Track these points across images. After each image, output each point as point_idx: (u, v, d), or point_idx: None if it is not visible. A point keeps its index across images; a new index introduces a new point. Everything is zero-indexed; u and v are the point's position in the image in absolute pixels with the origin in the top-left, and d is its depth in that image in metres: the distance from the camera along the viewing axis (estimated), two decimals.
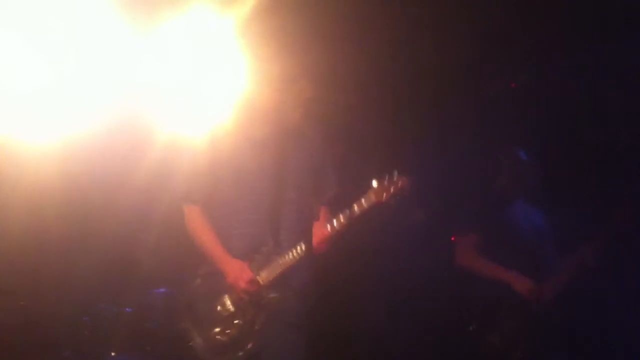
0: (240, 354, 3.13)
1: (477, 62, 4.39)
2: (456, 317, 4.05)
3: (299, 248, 3.09)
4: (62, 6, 3.08)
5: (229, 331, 3.17)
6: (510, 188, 4.06)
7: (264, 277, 3.16)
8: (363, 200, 3.05)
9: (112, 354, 4.27)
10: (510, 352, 3.77)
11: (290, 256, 3.12)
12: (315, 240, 3.03)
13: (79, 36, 3.14)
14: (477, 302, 3.92)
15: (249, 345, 3.13)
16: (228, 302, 3.20)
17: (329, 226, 3.09)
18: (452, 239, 4.15)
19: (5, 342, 4.09)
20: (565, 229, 4.08)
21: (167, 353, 4.17)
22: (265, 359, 3.14)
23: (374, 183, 3.04)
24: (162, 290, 4.46)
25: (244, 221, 3.22)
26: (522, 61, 4.53)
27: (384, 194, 3.02)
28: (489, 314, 3.85)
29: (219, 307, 3.21)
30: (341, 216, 3.09)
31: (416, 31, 4.07)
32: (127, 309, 4.40)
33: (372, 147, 4.58)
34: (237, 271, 3.16)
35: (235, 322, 3.17)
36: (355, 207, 3.06)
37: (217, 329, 3.18)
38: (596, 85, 4.47)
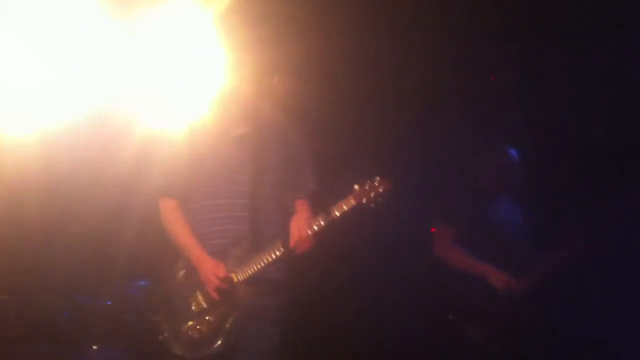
0: (210, 350, 3.14)
1: (461, 58, 4.39)
2: (435, 311, 4.06)
3: (276, 245, 3.09)
4: (62, 6, 3.07)
5: (199, 327, 3.17)
6: (493, 183, 4.08)
7: (240, 274, 3.16)
8: (343, 204, 3.07)
9: (93, 347, 4.27)
10: (488, 344, 3.79)
11: (268, 253, 3.11)
12: (293, 239, 3.05)
13: (79, 36, 3.12)
14: (455, 296, 3.94)
15: (219, 343, 3.13)
16: (200, 298, 3.20)
17: (308, 229, 3.10)
18: (432, 230, 4.16)
19: None
20: (546, 227, 4.11)
21: (147, 346, 4.17)
22: (239, 355, 3.15)
23: (355, 187, 3.07)
24: (142, 282, 4.46)
25: (222, 217, 3.21)
26: (506, 57, 4.53)
27: (364, 198, 3.05)
28: (467, 307, 3.87)
29: (192, 303, 3.21)
30: (320, 219, 3.10)
31: (399, 26, 4.06)
32: (107, 302, 4.40)
33: (351, 141, 4.58)
34: (211, 268, 3.15)
35: (207, 318, 3.18)
36: (335, 210, 3.07)
37: (189, 324, 3.19)
38: (581, 81, 4.48)
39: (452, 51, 4.33)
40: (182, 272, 3.28)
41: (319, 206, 3.20)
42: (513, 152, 4.11)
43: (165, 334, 3.23)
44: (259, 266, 3.12)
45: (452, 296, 3.97)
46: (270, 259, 3.11)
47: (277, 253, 3.09)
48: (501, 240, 3.94)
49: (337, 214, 3.07)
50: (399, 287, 4.67)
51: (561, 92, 4.53)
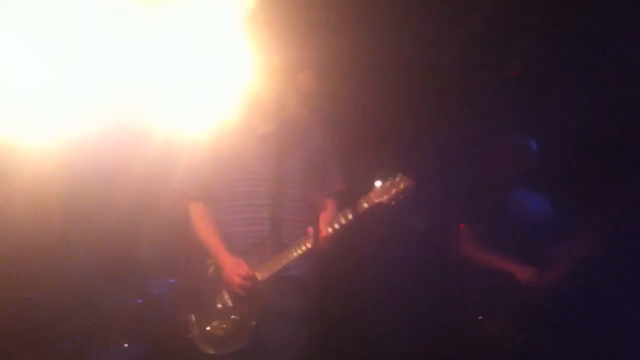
0: (235, 349, 3.16)
1: (477, 50, 4.37)
2: (455, 308, 4.06)
3: (299, 244, 3.10)
4: (62, 6, 3.06)
5: (225, 326, 3.19)
6: (510, 175, 4.06)
7: (262, 273, 3.17)
8: (364, 201, 3.05)
9: (115, 345, 4.29)
10: (509, 341, 3.78)
11: (290, 252, 3.12)
12: (314, 237, 3.02)
13: (79, 36, 3.12)
14: (475, 292, 3.93)
15: (243, 341, 3.16)
16: (227, 297, 3.22)
17: (329, 227, 3.08)
18: (461, 226, 4.15)
19: (7, 333, 4.10)
20: (565, 214, 4.08)
21: (170, 344, 4.19)
22: (264, 354, 3.16)
23: (377, 184, 3.05)
24: (164, 281, 4.48)
25: (244, 219, 3.22)
26: (521, 48, 4.51)
27: (385, 196, 3.03)
28: (487, 303, 3.86)
29: (218, 301, 3.23)
30: (341, 217, 3.08)
31: (417, 23, 4.05)
32: (129, 300, 4.42)
33: (375, 139, 4.57)
34: (233, 267, 3.16)
35: (232, 317, 3.19)
36: (357, 208, 3.05)
37: (215, 323, 3.21)
38: (596, 73, 4.46)
39: (472, 46, 4.31)
40: (211, 269, 3.29)
41: (342, 204, 3.19)
42: (529, 142, 4.08)
43: (194, 332, 3.24)
44: (281, 265, 3.13)
45: (473, 293, 3.94)
46: (292, 258, 3.11)
47: (299, 252, 3.09)
48: (521, 233, 3.92)
49: (358, 211, 3.05)
50: (421, 284, 4.66)
51: (577, 85, 4.51)
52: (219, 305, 3.22)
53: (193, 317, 3.26)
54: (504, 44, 4.49)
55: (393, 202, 3.03)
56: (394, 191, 3.02)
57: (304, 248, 3.08)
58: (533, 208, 4.03)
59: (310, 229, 3.05)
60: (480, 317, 3.86)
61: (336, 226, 3.07)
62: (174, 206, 3.47)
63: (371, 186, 3.06)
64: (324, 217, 3.16)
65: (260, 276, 3.17)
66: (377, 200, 3.03)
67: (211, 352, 3.19)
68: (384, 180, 3.04)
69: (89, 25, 3.07)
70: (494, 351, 3.81)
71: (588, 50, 4.34)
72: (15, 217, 3.95)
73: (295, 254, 3.10)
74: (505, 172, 4.07)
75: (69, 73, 3.17)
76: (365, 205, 3.04)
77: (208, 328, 3.21)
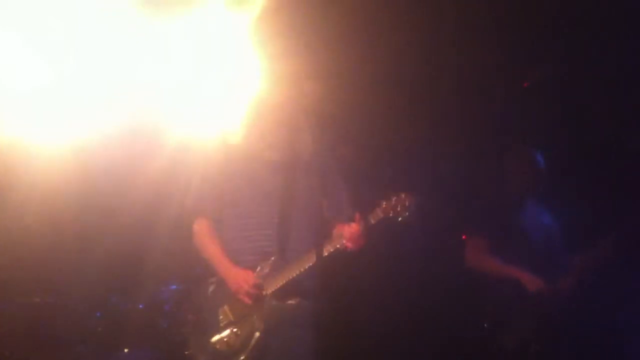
0: None
1: (489, 63, 4.36)
2: (468, 319, 4.04)
3: (305, 259, 3.13)
4: (62, 6, 3.10)
5: (227, 340, 3.21)
6: (522, 190, 4.05)
7: (268, 287, 3.20)
8: (370, 218, 3.12)
9: (125, 350, 4.33)
10: (522, 352, 3.75)
11: (296, 267, 3.15)
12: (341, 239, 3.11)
13: (80, 36, 3.15)
14: (488, 304, 3.92)
15: (245, 355, 3.18)
16: (228, 311, 3.25)
17: (331, 248, 3.13)
18: (463, 237, 4.15)
19: (19, 337, 4.15)
20: (575, 228, 4.07)
21: (178, 349, 4.21)
22: None
23: (383, 203, 3.12)
24: (174, 287, 4.51)
25: (252, 235, 3.27)
26: (533, 61, 4.49)
27: (391, 212, 3.10)
28: (500, 315, 3.85)
29: (220, 316, 3.26)
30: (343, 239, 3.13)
31: (427, 32, 4.05)
32: (139, 305, 4.45)
33: (382, 148, 4.58)
34: (242, 277, 3.20)
35: (234, 330, 3.21)
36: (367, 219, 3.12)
37: (216, 337, 3.23)
38: (607, 84, 4.43)
39: (480, 58, 4.30)
40: (212, 288, 3.33)
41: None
42: (539, 156, 4.07)
43: (191, 349, 3.29)
44: (286, 280, 3.17)
45: (484, 305, 3.94)
46: (298, 273, 3.15)
47: (306, 267, 3.13)
48: (533, 246, 3.91)
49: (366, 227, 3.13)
50: (431, 296, 4.65)
51: (591, 96, 4.49)
52: (221, 320, 3.25)
53: (192, 331, 3.32)
54: (518, 55, 4.48)
55: (400, 219, 3.10)
56: (399, 207, 3.09)
57: (308, 264, 3.11)
58: (542, 221, 4.02)
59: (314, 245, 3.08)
60: (485, 325, 3.84)
61: (338, 246, 3.14)
62: (182, 220, 3.50)
63: (377, 203, 3.13)
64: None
65: (265, 291, 3.20)
66: (383, 215, 3.11)
67: None
68: (388, 198, 3.12)
69: (89, 25, 3.11)
70: None
71: (604, 59, 4.31)
72: (27, 222, 4.01)
73: (301, 269, 3.14)
74: (516, 186, 4.05)
75: (69, 73, 3.20)
76: (372, 221, 3.12)
77: (208, 343, 3.23)
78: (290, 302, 3.21)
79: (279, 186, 3.28)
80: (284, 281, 3.17)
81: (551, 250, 3.94)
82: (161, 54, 3.25)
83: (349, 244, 3.12)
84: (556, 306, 3.79)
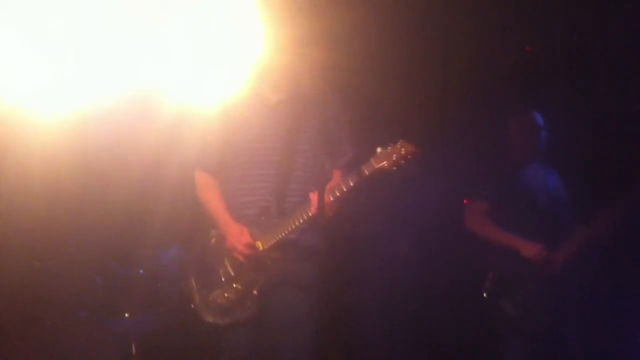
0: (239, 317, 3.17)
1: (491, 28, 4.32)
2: (470, 286, 4.04)
3: (301, 212, 3.08)
4: (62, 6, 3.05)
5: (227, 295, 3.20)
6: (522, 151, 4.02)
7: (266, 241, 3.17)
8: (364, 168, 2.99)
9: (126, 314, 4.34)
10: (524, 319, 3.77)
11: (293, 220, 3.11)
12: (314, 206, 3.01)
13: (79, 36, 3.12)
14: (489, 271, 3.91)
15: (246, 309, 3.16)
16: (228, 266, 3.23)
17: (330, 195, 3.04)
18: (465, 202, 4.14)
19: (20, 303, 4.14)
20: (582, 189, 4.03)
21: (180, 314, 4.23)
22: (271, 321, 3.16)
23: (378, 150, 2.97)
24: (174, 249, 4.51)
25: (251, 189, 3.23)
26: (535, 27, 4.44)
27: (385, 161, 2.95)
28: (501, 280, 3.85)
29: (220, 270, 3.24)
30: (342, 185, 3.03)
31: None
32: (139, 270, 4.46)
33: (385, 113, 4.54)
34: (236, 234, 3.16)
35: (234, 285, 3.20)
36: (357, 175, 3.00)
37: (217, 292, 3.22)
38: (612, 48, 4.39)
39: (483, 22, 4.25)
40: (213, 240, 3.31)
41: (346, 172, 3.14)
42: (540, 119, 4.04)
43: (196, 302, 3.26)
44: (283, 233, 3.12)
45: (485, 271, 3.92)
46: (294, 226, 3.10)
47: (301, 220, 3.08)
48: (536, 210, 3.88)
49: (360, 178, 2.98)
50: (430, 261, 4.65)
51: (596, 62, 4.45)
52: (221, 275, 3.23)
53: (195, 286, 3.28)
54: (522, 21, 4.42)
55: (394, 168, 2.93)
56: (394, 156, 2.92)
57: (305, 216, 3.07)
58: (547, 182, 3.98)
59: (312, 196, 3.04)
60: (484, 295, 3.84)
61: (337, 193, 3.02)
62: (184, 175, 3.47)
63: (372, 152, 2.99)
64: (328, 187, 3.11)
65: (263, 244, 3.16)
66: (377, 166, 2.95)
67: (211, 320, 3.21)
68: (384, 146, 2.96)
69: (89, 25, 3.07)
70: (512, 329, 3.80)
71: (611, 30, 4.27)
72: (28, 189, 3.98)
73: (297, 222, 3.09)
74: (516, 148, 4.03)
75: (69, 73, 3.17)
76: (366, 171, 2.97)
77: (210, 297, 3.22)
78: (291, 260, 3.17)
79: (282, 131, 3.22)
80: (279, 236, 3.13)
81: (557, 213, 3.90)
82: (165, 18, 3.21)
83: (319, 216, 2.98)
84: (556, 272, 3.77)
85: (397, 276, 4.68)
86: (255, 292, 3.16)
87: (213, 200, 3.29)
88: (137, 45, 3.25)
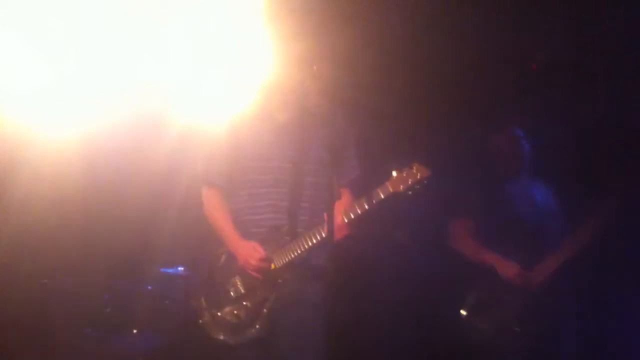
0: (248, 335, 3.16)
1: (498, 43, 4.36)
2: (446, 304, 4.01)
3: (314, 232, 3.09)
4: (62, 6, 3.08)
5: (237, 312, 3.20)
6: (506, 166, 3.99)
7: (278, 260, 3.17)
8: (380, 191, 3.01)
9: (134, 331, 4.34)
10: (501, 336, 3.72)
11: (305, 240, 3.11)
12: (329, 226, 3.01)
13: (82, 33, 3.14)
14: (467, 288, 3.88)
15: (256, 328, 3.16)
16: (239, 284, 3.22)
17: (344, 216, 3.05)
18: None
19: (27, 319, 4.15)
20: (571, 201, 3.99)
21: (188, 330, 4.23)
22: (280, 339, 3.15)
23: (393, 173, 3.01)
24: (181, 268, 4.52)
25: (262, 206, 3.22)
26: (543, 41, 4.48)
27: (401, 185, 2.99)
28: (482, 299, 3.81)
29: (230, 288, 3.24)
30: (357, 207, 3.05)
31: (436, 16, 4.04)
32: (147, 287, 4.46)
33: (392, 129, 4.56)
34: (249, 251, 3.16)
35: (244, 303, 3.20)
36: (372, 198, 3.01)
37: (227, 309, 3.22)
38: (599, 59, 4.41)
39: (492, 39, 4.29)
40: (223, 258, 3.30)
41: (360, 193, 3.16)
42: (520, 133, 4.02)
43: (205, 318, 3.26)
44: (296, 253, 3.12)
45: (464, 288, 3.89)
46: (307, 246, 3.10)
47: (314, 240, 3.09)
48: (521, 225, 3.82)
49: (374, 201, 3.00)
50: (412, 280, 4.64)
51: (582, 74, 4.47)
52: (231, 292, 3.23)
53: (204, 303, 3.28)
54: (525, 37, 4.46)
55: (410, 192, 2.99)
56: (410, 181, 2.97)
57: (319, 236, 3.07)
58: (533, 196, 3.95)
59: (326, 216, 3.05)
60: (464, 313, 3.81)
61: (351, 215, 3.05)
62: (192, 192, 3.49)
63: (388, 176, 3.02)
64: (339, 206, 3.07)
65: (274, 264, 3.16)
66: (393, 190, 2.99)
67: (221, 337, 3.20)
68: (400, 169, 3.00)
69: (89, 25, 3.09)
70: (490, 347, 3.76)
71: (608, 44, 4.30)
72: (37, 206, 4.01)
73: (310, 242, 3.10)
74: (500, 164, 4.00)
75: (71, 72, 3.19)
76: (382, 195, 3.00)
77: (219, 314, 3.22)
78: (301, 279, 3.16)
79: (290, 150, 3.22)
80: (292, 255, 3.13)
81: (543, 227, 3.85)
82: (171, 35, 3.25)
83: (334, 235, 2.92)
84: (537, 290, 3.71)
85: (404, 293, 4.67)
86: (265, 310, 3.15)
87: (221, 217, 3.29)
88: (137, 45, 3.27)
